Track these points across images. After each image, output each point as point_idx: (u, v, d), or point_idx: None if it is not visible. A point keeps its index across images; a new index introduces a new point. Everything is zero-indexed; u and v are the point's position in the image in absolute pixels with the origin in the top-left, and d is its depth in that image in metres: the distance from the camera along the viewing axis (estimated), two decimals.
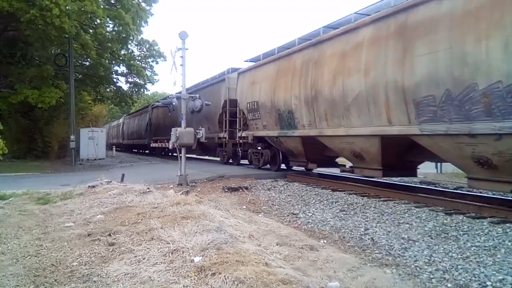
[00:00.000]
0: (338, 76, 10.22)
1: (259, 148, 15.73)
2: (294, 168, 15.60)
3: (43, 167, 21.69)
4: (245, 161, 17.85)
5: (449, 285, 4.41)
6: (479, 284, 4.35)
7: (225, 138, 18.12)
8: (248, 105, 15.65)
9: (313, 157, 13.00)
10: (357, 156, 10.45)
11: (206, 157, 24.83)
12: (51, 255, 5.04)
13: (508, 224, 6.51)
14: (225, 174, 13.67)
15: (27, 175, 17.48)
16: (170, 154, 29.14)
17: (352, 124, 9.96)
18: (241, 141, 16.78)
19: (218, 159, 20.65)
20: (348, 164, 12.05)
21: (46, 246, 5.43)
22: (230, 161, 18.91)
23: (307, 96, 11.67)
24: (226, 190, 11.06)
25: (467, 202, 8.15)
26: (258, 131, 15.27)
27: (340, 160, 13.27)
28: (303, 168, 14.83)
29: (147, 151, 37.01)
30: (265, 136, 14.86)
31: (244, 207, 9.13)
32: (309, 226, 7.36)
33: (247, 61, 16.88)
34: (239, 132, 16.83)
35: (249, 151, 16.47)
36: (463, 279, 4.50)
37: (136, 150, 42.66)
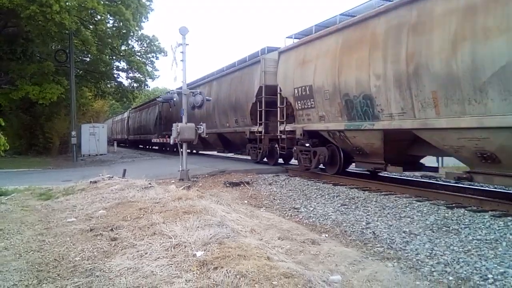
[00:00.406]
0: (462, 41, 7.20)
1: (307, 145, 12.62)
2: (355, 169, 13.13)
3: (44, 163, 21.74)
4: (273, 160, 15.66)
5: (450, 278, 4.42)
6: (481, 277, 4.37)
7: (260, 132, 15.14)
8: (296, 91, 12.50)
9: (394, 157, 9.79)
10: (486, 157, 7.37)
11: (231, 155, 21.35)
12: (53, 250, 5.06)
13: (509, 218, 6.51)
14: (227, 169, 13.69)
15: (29, 171, 17.53)
16: (192, 151, 24.41)
17: (489, 111, 6.89)
18: (283, 136, 13.87)
19: (248, 157, 17.55)
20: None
21: (49, 241, 5.45)
22: (265, 160, 15.86)
23: (399, 74, 8.57)
24: (227, 185, 11.08)
25: (469, 195, 8.15)
26: (311, 124, 12.09)
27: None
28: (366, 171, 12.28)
29: (155, 148, 34.38)
30: (321, 130, 11.69)
31: (246, 201, 9.15)
32: (311, 220, 7.37)
33: (290, 37, 13.76)
34: (281, 125, 13.96)
35: (295, 148, 13.28)
36: (465, 272, 4.51)
37: (142, 146, 40.01)
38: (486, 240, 5.57)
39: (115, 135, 51.44)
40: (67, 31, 21.60)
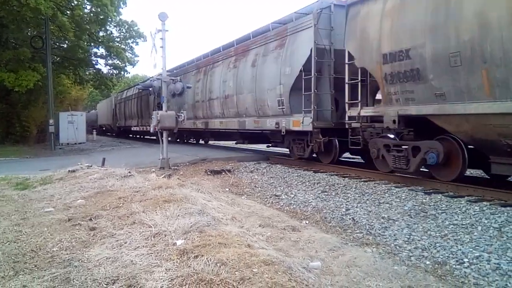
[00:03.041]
0: None
1: None
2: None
3: (22, 152, 21.29)
4: None
5: (427, 262, 4.51)
6: (457, 261, 4.47)
7: None
8: None
9: None
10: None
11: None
12: (30, 240, 4.97)
13: (485, 203, 6.66)
14: (208, 157, 13.64)
15: (5, 160, 17.15)
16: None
17: None
18: None
19: None
20: None
21: (26, 232, 5.35)
22: None
23: None
24: (208, 173, 11.04)
25: (446, 181, 8.29)
26: None
27: None
28: None
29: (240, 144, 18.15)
30: None
31: (227, 189, 9.15)
32: (292, 207, 7.42)
33: None
34: None
35: None
36: (441, 257, 4.61)
37: (194, 141, 22.85)
38: (462, 225, 5.69)
39: (122, 120, 33.91)
40: (43, 17, 21.02)
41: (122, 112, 34.09)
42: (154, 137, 25.09)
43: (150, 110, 23.49)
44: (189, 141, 23.23)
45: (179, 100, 18.52)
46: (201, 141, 22.93)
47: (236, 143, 17.42)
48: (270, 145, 14.47)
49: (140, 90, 24.87)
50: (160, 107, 12.04)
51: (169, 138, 21.94)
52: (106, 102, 43.55)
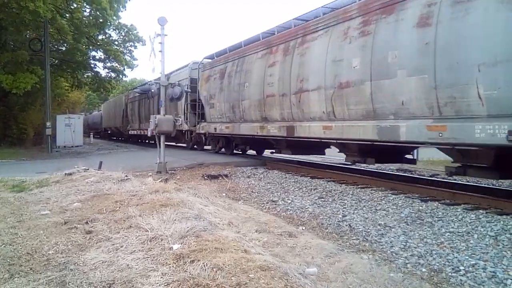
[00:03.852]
0: None
1: None
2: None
3: (18, 154, 21.21)
4: None
5: (423, 270, 4.51)
6: (453, 268, 4.47)
7: None
8: None
9: None
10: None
11: None
12: (26, 243, 4.95)
13: (481, 211, 6.68)
14: (205, 161, 13.62)
15: (2, 162, 17.07)
16: None
17: None
18: None
19: None
20: None
21: (21, 235, 5.33)
22: None
23: None
24: (205, 177, 11.03)
25: (442, 189, 8.32)
26: None
27: None
28: None
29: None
30: None
31: (224, 194, 9.13)
32: (288, 213, 7.41)
33: None
34: None
35: None
36: (437, 264, 4.61)
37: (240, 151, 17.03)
38: (459, 232, 5.70)
39: (136, 123, 28.62)
40: (42, 19, 21.02)
41: (136, 113, 28.30)
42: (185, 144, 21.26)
43: (178, 111, 19.65)
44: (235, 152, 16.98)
45: (233, 96, 14.73)
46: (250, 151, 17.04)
47: (352, 163, 10.83)
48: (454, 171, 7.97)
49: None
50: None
51: (208, 147, 18.23)
52: (114, 102, 38.70)
